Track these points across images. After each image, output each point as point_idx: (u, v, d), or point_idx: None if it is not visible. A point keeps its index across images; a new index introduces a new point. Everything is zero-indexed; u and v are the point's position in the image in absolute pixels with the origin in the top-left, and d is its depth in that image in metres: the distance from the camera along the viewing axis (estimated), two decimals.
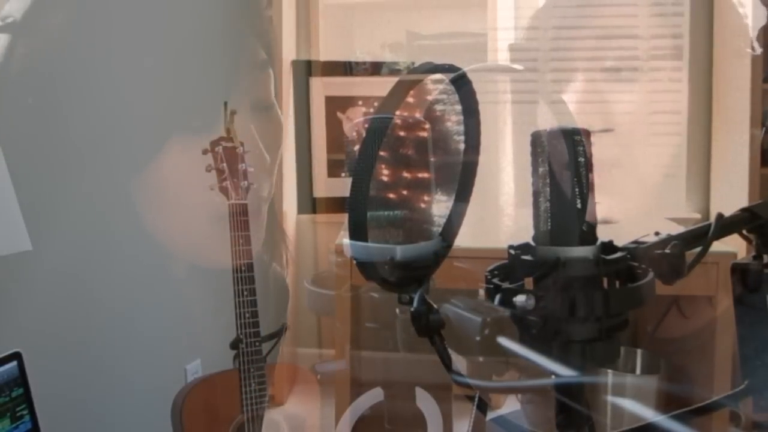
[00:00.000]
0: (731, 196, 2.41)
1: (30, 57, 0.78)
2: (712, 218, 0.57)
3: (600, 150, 0.51)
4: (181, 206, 0.86)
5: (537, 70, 2.76)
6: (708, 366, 1.59)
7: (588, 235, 0.49)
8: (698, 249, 0.55)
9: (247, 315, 1.03)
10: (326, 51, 2.69)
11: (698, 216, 2.59)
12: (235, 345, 1.01)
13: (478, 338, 0.47)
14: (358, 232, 0.48)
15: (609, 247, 0.51)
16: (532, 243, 0.51)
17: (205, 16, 0.79)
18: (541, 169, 0.50)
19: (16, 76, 0.80)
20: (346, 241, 0.51)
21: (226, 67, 0.79)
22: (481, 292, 0.54)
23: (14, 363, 0.76)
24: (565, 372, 0.47)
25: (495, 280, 0.50)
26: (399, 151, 0.51)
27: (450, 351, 0.50)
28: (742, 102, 2.32)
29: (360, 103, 2.31)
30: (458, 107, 0.52)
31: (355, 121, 2.21)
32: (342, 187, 2.24)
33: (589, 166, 0.49)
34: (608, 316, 0.48)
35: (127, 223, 0.89)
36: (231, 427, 1.00)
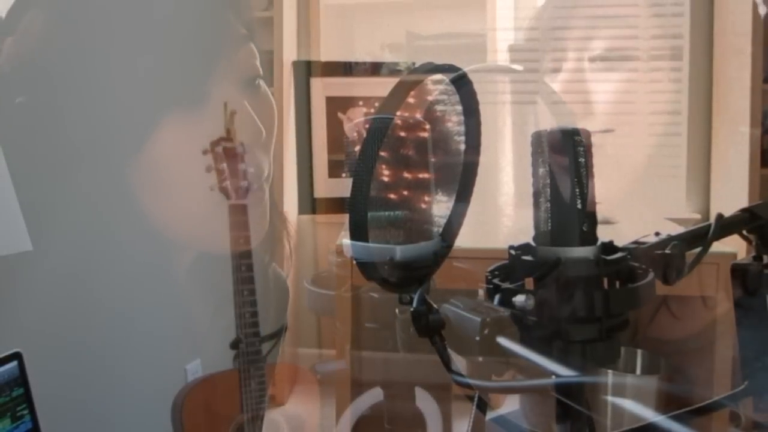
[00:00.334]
0: (731, 196, 2.41)
1: (29, 55, 0.78)
2: (712, 219, 0.57)
3: (601, 150, 0.51)
4: (181, 206, 0.86)
5: (537, 70, 2.76)
6: (708, 366, 1.59)
7: (588, 236, 0.49)
8: (698, 249, 0.55)
9: (247, 315, 1.04)
10: (327, 52, 2.69)
11: (698, 216, 2.60)
12: (235, 345, 1.01)
13: (477, 338, 0.47)
14: (358, 232, 0.49)
15: (609, 247, 0.51)
16: (533, 243, 0.51)
17: (192, 7, 0.78)
18: (541, 170, 0.50)
19: (16, 75, 0.80)
20: (346, 241, 0.51)
21: (212, 51, 0.78)
22: (481, 292, 0.54)
23: (14, 363, 0.76)
24: (565, 372, 0.47)
25: (495, 281, 0.50)
26: (399, 152, 0.51)
27: (450, 351, 0.50)
28: (742, 102, 2.32)
29: (361, 103, 2.31)
30: (459, 107, 0.52)
31: (355, 122, 2.22)
32: (342, 187, 2.25)
33: (589, 166, 0.49)
34: (608, 317, 0.48)
35: (128, 223, 0.89)
36: (231, 427, 1.00)
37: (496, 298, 0.50)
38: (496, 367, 0.49)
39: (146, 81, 0.78)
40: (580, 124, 0.50)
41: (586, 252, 0.49)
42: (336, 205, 2.27)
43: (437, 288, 0.54)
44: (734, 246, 1.05)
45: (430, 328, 0.50)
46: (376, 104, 0.51)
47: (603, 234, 0.51)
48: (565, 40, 2.70)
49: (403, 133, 0.51)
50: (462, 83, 0.52)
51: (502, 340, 0.47)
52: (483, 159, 0.54)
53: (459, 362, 0.50)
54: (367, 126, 0.50)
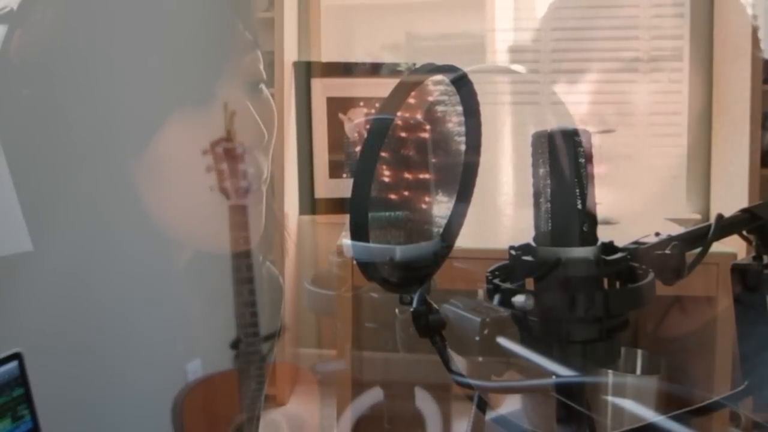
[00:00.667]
0: (731, 196, 2.41)
1: (29, 53, 0.78)
2: (712, 219, 0.57)
3: (601, 150, 0.51)
4: (181, 206, 0.86)
5: (537, 71, 2.76)
6: (708, 366, 1.59)
7: (588, 236, 0.49)
8: (699, 249, 0.55)
9: (247, 315, 1.04)
10: (327, 52, 2.69)
11: (698, 217, 2.60)
12: (235, 345, 1.01)
13: (477, 338, 0.47)
14: (359, 232, 0.49)
15: (609, 247, 0.51)
16: (533, 244, 0.51)
17: (199, 9, 0.79)
18: (541, 170, 0.50)
19: (16, 74, 0.80)
20: (346, 241, 0.51)
21: (218, 54, 0.79)
22: (481, 292, 0.54)
23: (15, 363, 0.76)
24: (565, 372, 0.47)
25: (495, 281, 0.50)
26: (400, 152, 0.51)
27: (450, 351, 0.50)
28: (742, 103, 2.32)
29: (361, 104, 2.31)
30: (459, 108, 0.52)
31: (355, 122, 2.22)
32: (343, 188, 2.25)
33: (589, 167, 0.49)
34: (609, 317, 0.48)
35: (128, 223, 0.89)
36: (231, 427, 0.99)
37: (496, 298, 0.50)
38: (496, 367, 0.49)
39: (149, 82, 0.78)
40: (581, 125, 0.50)
41: (587, 252, 0.49)
42: (337, 205, 2.27)
43: (437, 288, 0.54)
44: (734, 246, 1.06)
45: (430, 328, 0.50)
46: (377, 105, 0.51)
47: (603, 234, 0.51)
48: (566, 41, 2.71)
49: (403, 134, 0.51)
50: (462, 84, 0.52)
51: (502, 341, 0.47)
52: (483, 159, 0.54)
53: (459, 362, 0.50)
54: (367, 126, 0.50)
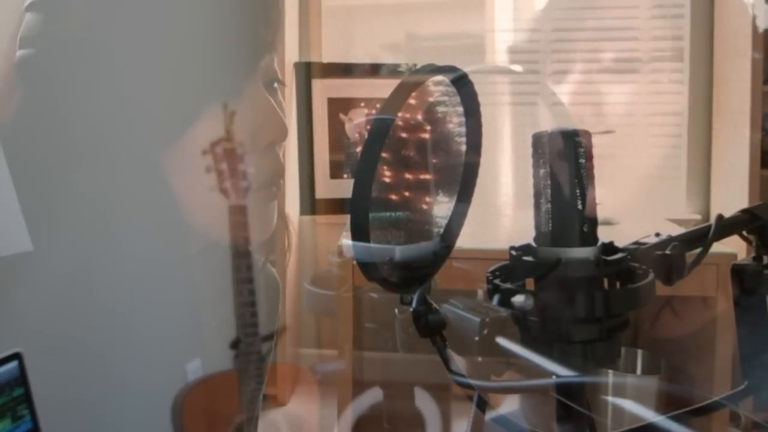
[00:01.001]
0: (731, 197, 2.41)
1: (29, 53, 0.78)
2: (712, 219, 0.57)
3: (601, 151, 0.51)
4: (181, 206, 0.86)
5: (537, 71, 2.76)
6: (708, 366, 1.59)
7: (589, 236, 0.49)
8: (699, 250, 0.55)
9: (246, 315, 1.04)
10: (328, 53, 2.69)
11: (698, 217, 2.60)
12: (235, 345, 1.01)
13: (476, 338, 0.47)
14: (359, 232, 0.49)
15: (610, 248, 0.51)
16: (534, 244, 0.51)
17: (208, 8, 0.79)
18: (542, 171, 0.50)
19: (16, 75, 0.80)
20: (346, 241, 0.51)
21: (230, 55, 0.80)
22: (480, 292, 0.54)
23: (15, 363, 0.76)
24: (565, 372, 0.47)
25: (496, 281, 0.51)
26: (401, 153, 0.51)
27: (450, 351, 0.50)
28: (742, 103, 2.32)
29: (362, 104, 2.31)
30: (460, 108, 0.52)
31: (356, 122, 2.22)
32: (344, 188, 2.25)
33: (590, 167, 0.50)
34: (609, 317, 0.48)
35: (128, 223, 0.89)
36: (231, 427, 0.99)
37: (496, 298, 0.50)
38: (495, 367, 0.49)
39: (154, 81, 0.79)
40: (581, 125, 0.50)
41: (587, 252, 0.49)
42: (337, 205, 2.27)
43: (438, 288, 0.54)
44: (734, 246, 1.06)
45: (430, 328, 0.50)
46: (378, 105, 0.51)
47: (603, 235, 0.51)
48: (566, 42, 2.71)
49: (404, 134, 0.52)
50: (462, 84, 0.52)
51: (502, 341, 0.47)
52: (483, 160, 0.54)
53: (458, 362, 0.50)
54: (368, 127, 0.50)
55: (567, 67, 2.73)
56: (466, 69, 0.53)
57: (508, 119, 2.60)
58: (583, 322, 0.48)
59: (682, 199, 2.68)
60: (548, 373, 0.48)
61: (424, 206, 0.53)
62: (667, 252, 0.52)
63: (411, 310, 0.51)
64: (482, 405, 0.60)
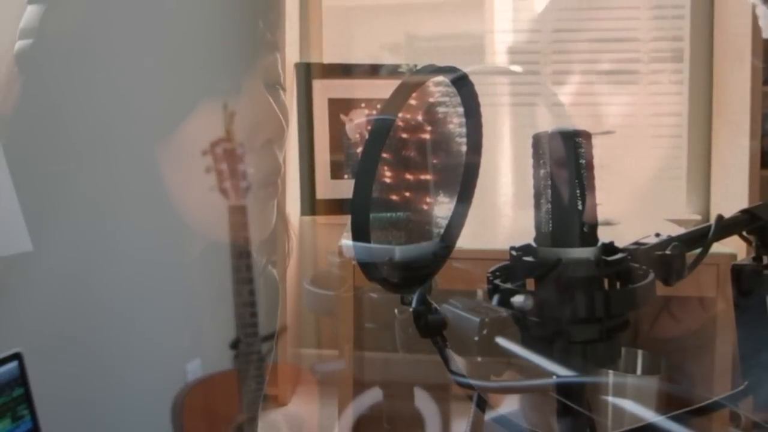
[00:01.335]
0: (731, 197, 2.41)
1: (27, 52, 0.78)
2: (712, 220, 0.57)
3: (601, 152, 0.51)
4: (180, 207, 0.86)
5: (537, 72, 2.76)
6: (708, 366, 1.59)
7: (589, 237, 0.49)
8: (699, 250, 0.55)
9: (246, 316, 1.04)
10: (329, 54, 2.69)
11: (698, 217, 2.60)
12: (235, 345, 1.01)
13: (476, 338, 0.47)
14: (360, 233, 0.49)
15: (610, 248, 0.51)
16: (534, 244, 0.51)
17: (208, 7, 0.79)
18: (542, 171, 0.50)
19: (16, 74, 0.80)
20: (346, 241, 0.51)
21: (230, 54, 0.80)
22: (480, 292, 0.54)
23: (15, 363, 0.76)
24: (565, 372, 0.47)
25: (496, 281, 0.51)
26: (401, 153, 0.51)
27: (450, 351, 0.50)
28: (742, 104, 2.32)
29: (363, 105, 2.31)
30: (460, 109, 0.52)
31: (356, 122, 2.22)
32: (344, 188, 2.25)
33: (590, 167, 0.50)
34: (609, 317, 0.48)
35: (127, 223, 0.89)
36: (231, 427, 0.99)
37: (495, 298, 0.50)
38: (495, 367, 0.50)
39: (154, 79, 0.79)
40: (581, 126, 0.50)
41: (587, 253, 0.49)
42: (338, 206, 2.27)
43: (438, 289, 0.54)
44: (734, 247, 1.06)
45: (430, 328, 0.50)
46: (378, 106, 0.51)
47: (604, 235, 0.51)
48: (566, 43, 2.71)
49: (404, 135, 0.52)
50: (463, 84, 0.52)
51: (501, 341, 0.47)
52: (483, 160, 0.54)
53: (458, 362, 0.50)
54: (368, 128, 0.50)
55: (567, 68, 2.73)
56: (465, 69, 0.53)
57: (508, 120, 2.60)
58: (584, 323, 0.48)
59: (682, 200, 2.68)
60: (548, 373, 0.48)
61: (425, 207, 0.53)
62: (667, 252, 0.52)
63: (411, 310, 0.51)
64: (482, 405, 0.60)
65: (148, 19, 0.78)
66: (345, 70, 2.41)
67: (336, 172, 2.31)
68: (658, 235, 0.55)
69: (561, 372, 0.47)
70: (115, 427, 0.85)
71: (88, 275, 0.82)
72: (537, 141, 0.50)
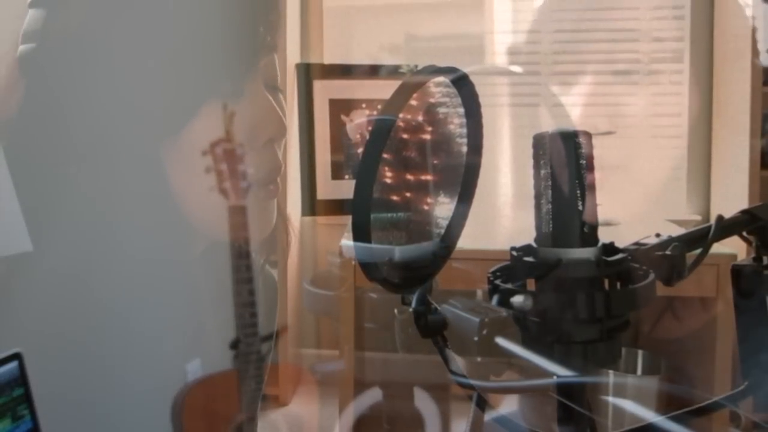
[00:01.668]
0: (731, 198, 2.41)
1: (29, 54, 0.78)
2: (713, 220, 0.57)
3: (601, 152, 0.51)
4: (181, 207, 0.86)
5: (536, 73, 2.77)
6: (708, 366, 1.59)
7: (589, 237, 0.49)
8: (699, 250, 0.55)
9: (246, 316, 1.04)
10: (330, 54, 2.69)
11: (699, 218, 2.60)
12: (235, 345, 1.01)
13: (476, 339, 0.47)
14: (360, 233, 0.49)
15: (610, 248, 0.51)
16: (534, 245, 0.51)
17: (208, 9, 0.80)
18: (542, 172, 0.50)
19: (18, 71, 0.80)
20: (346, 241, 0.51)
21: (231, 55, 0.80)
22: (479, 292, 0.54)
23: (15, 363, 0.76)
24: (565, 372, 0.47)
25: (497, 281, 0.51)
26: (402, 153, 0.51)
27: (450, 351, 0.50)
28: (742, 105, 2.32)
29: (363, 105, 2.31)
30: (461, 110, 0.52)
31: (356, 122, 2.22)
32: (345, 189, 2.25)
33: (590, 168, 0.50)
34: (609, 317, 0.48)
35: (127, 223, 0.89)
36: (231, 427, 0.99)
37: (495, 298, 0.50)
38: (495, 367, 0.50)
39: (154, 80, 0.79)
40: (581, 126, 0.51)
41: (588, 253, 0.49)
42: (338, 206, 2.27)
43: (439, 289, 0.54)
44: (734, 247, 1.06)
45: (431, 328, 0.50)
46: (379, 106, 0.51)
47: (604, 235, 0.51)
48: (566, 43, 2.71)
49: (405, 135, 0.52)
50: (463, 84, 0.52)
51: (501, 341, 0.47)
52: (483, 161, 0.54)
53: (458, 362, 0.50)
54: (369, 128, 0.50)
55: (567, 68, 2.73)
56: (466, 70, 0.53)
57: (508, 120, 2.60)
58: (584, 323, 0.48)
59: (683, 200, 2.68)
60: (548, 374, 0.48)
61: (425, 207, 0.53)
62: (668, 253, 0.52)
63: (411, 310, 0.51)
64: (482, 405, 0.60)
65: (149, 21, 0.78)
66: (345, 71, 2.41)
67: (337, 173, 2.31)
68: (658, 235, 0.55)
69: (561, 372, 0.47)
70: (115, 427, 0.85)
71: (88, 275, 0.82)
72: (537, 141, 0.50)
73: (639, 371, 1.76)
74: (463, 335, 0.48)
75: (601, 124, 2.51)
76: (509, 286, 0.50)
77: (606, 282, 0.49)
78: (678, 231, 0.57)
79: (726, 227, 0.57)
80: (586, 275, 0.48)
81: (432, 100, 0.53)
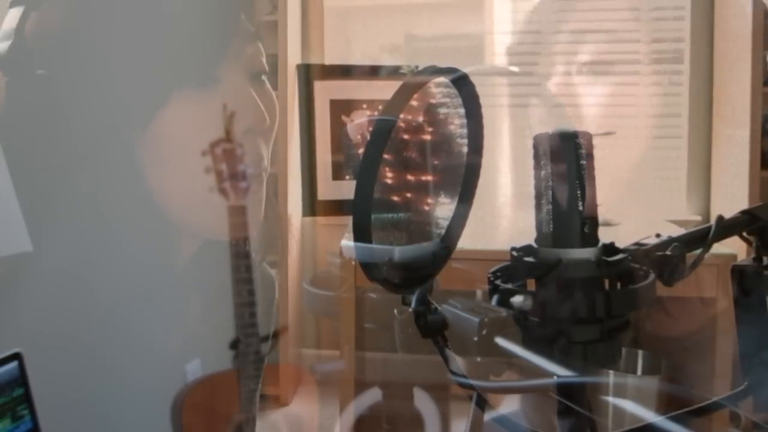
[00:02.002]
0: (731, 198, 2.41)
1: (29, 54, 0.78)
2: (713, 220, 0.57)
3: (602, 152, 0.51)
4: (180, 207, 0.86)
5: (537, 73, 2.76)
6: (708, 367, 1.59)
7: (590, 237, 0.49)
8: (699, 251, 0.55)
9: (246, 316, 1.04)
10: (331, 55, 2.69)
11: (699, 218, 2.60)
12: (234, 345, 1.01)
13: (475, 339, 0.47)
14: (361, 233, 0.49)
15: (610, 248, 0.51)
16: (535, 245, 0.51)
17: (192, 4, 0.80)
18: (543, 172, 0.50)
19: (16, 75, 0.80)
20: (345, 242, 0.51)
21: (215, 49, 0.80)
22: (479, 292, 0.54)
23: (15, 363, 0.76)
24: (566, 372, 0.47)
25: (497, 282, 0.51)
26: (403, 154, 0.51)
27: (450, 351, 0.50)
28: (742, 105, 2.32)
29: (364, 106, 2.31)
30: (461, 110, 0.52)
31: (357, 122, 2.21)
32: (345, 190, 2.25)
33: (590, 168, 0.50)
34: (610, 317, 0.48)
35: (127, 223, 0.89)
36: (231, 427, 0.99)
37: (495, 298, 0.50)
38: (494, 367, 0.50)
39: (150, 76, 0.79)
40: (581, 127, 0.51)
41: (588, 253, 0.49)
42: (339, 207, 2.27)
43: (439, 289, 0.54)
44: (734, 247, 1.06)
45: (431, 328, 0.50)
46: (380, 107, 0.51)
47: (604, 236, 0.51)
48: (566, 44, 2.71)
49: (406, 136, 0.52)
50: (463, 84, 0.52)
51: (500, 341, 0.47)
52: (483, 161, 0.54)
53: (458, 362, 0.50)
54: (370, 129, 0.50)
55: (567, 68, 2.73)
56: (466, 70, 0.53)
57: (509, 121, 2.60)
58: (584, 323, 0.48)
59: (683, 201, 2.68)
60: (549, 374, 0.48)
61: (426, 207, 0.53)
62: (668, 253, 0.52)
63: (410, 310, 0.51)
64: (482, 405, 0.60)
65: (128, 18, 0.78)
66: (346, 72, 2.41)
67: (337, 173, 2.31)
68: (658, 235, 0.55)
69: (561, 372, 0.47)
70: (115, 427, 0.85)
71: (88, 275, 0.82)
72: (538, 142, 0.50)
73: (639, 371, 1.76)
74: (463, 335, 0.48)
75: (601, 125, 2.51)
76: (509, 286, 0.50)
77: (606, 282, 0.49)
78: (678, 231, 0.57)
79: (726, 227, 0.57)
80: (587, 275, 0.48)
81: (432, 101, 0.53)
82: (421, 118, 0.53)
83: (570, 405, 0.49)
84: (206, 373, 0.99)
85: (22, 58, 0.77)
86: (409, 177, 0.52)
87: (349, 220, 0.50)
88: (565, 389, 0.49)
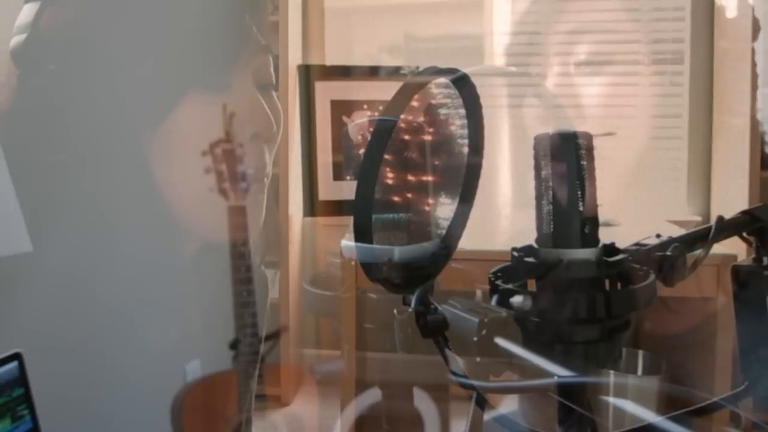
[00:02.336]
0: (732, 199, 2.41)
1: (44, 50, 0.79)
2: (713, 221, 0.57)
3: (602, 153, 0.51)
4: (180, 207, 0.86)
5: (537, 74, 2.77)
6: (708, 367, 1.59)
7: (590, 238, 0.49)
8: (699, 251, 0.55)
9: (246, 316, 1.04)
10: (331, 55, 2.69)
11: (699, 219, 2.60)
12: (234, 345, 1.01)
13: (475, 338, 0.47)
14: (362, 234, 0.49)
15: (611, 249, 0.51)
16: (535, 245, 0.51)
17: (205, 11, 0.80)
18: (543, 173, 0.50)
19: (29, 70, 0.80)
20: (346, 242, 0.51)
21: (226, 57, 0.81)
22: (479, 292, 0.54)
23: (15, 363, 0.76)
24: (566, 373, 0.47)
25: (498, 282, 0.51)
26: (403, 154, 0.51)
27: (450, 351, 0.50)
28: (742, 105, 2.32)
29: (365, 107, 2.31)
30: (462, 111, 0.52)
31: (357, 122, 2.22)
32: (346, 190, 2.25)
33: (591, 169, 0.50)
34: (610, 318, 0.48)
35: (127, 223, 0.89)
36: (230, 427, 0.99)
37: (495, 298, 0.50)
38: (494, 367, 0.50)
39: (155, 81, 0.79)
40: (581, 127, 0.51)
41: (588, 254, 0.49)
42: (340, 207, 2.27)
43: (439, 289, 0.54)
44: (734, 248, 1.06)
45: (431, 328, 0.50)
46: (381, 108, 0.51)
47: (605, 236, 0.51)
48: (566, 44, 2.71)
49: (406, 136, 0.52)
50: (464, 85, 0.52)
51: (500, 341, 0.47)
52: (484, 161, 0.54)
53: (458, 362, 0.50)
54: (370, 129, 0.50)
55: (567, 69, 2.73)
56: (466, 70, 0.53)
57: (508, 121, 2.60)
58: (585, 323, 0.48)
59: (683, 201, 2.68)
60: (549, 374, 0.48)
61: (426, 208, 0.53)
62: (668, 253, 0.52)
63: (411, 310, 0.51)
64: (482, 405, 0.60)
65: (143, 19, 0.78)
66: (346, 72, 2.41)
67: (338, 174, 2.30)
68: (658, 236, 0.55)
69: (562, 372, 0.47)
70: (114, 427, 0.85)
71: (88, 275, 0.82)
72: (538, 142, 0.50)
73: (639, 371, 1.76)
74: (463, 335, 0.49)
75: (602, 125, 2.51)
76: (509, 286, 0.50)
77: (607, 282, 0.50)
78: (678, 232, 0.57)
79: (726, 228, 0.57)
80: (587, 276, 0.48)
81: (433, 101, 0.53)
82: (421, 119, 0.53)
83: (570, 405, 0.49)
84: (206, 374, 0.99)
85: (36, 54, 0.77)
86: (410, 177, 0.52)
87: (349, 221, 0.50)
88: (565, 389, 0.49)
